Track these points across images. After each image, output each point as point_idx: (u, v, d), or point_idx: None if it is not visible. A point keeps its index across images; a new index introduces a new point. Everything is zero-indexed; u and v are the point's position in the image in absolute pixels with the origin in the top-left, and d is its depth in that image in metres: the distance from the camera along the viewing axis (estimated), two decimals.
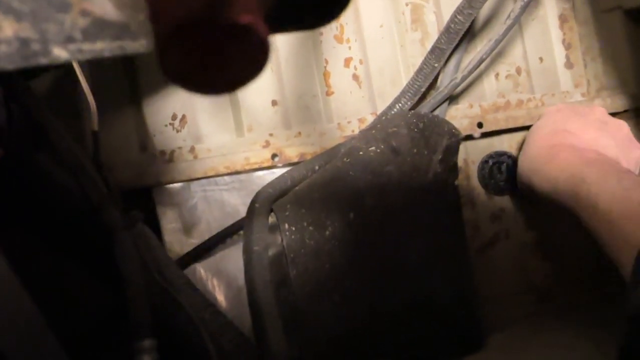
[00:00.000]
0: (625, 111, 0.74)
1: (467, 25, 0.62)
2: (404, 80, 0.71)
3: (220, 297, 0.63)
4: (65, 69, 0.59)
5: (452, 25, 0.62)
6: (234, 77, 0.17)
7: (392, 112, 0.66)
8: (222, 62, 0.16)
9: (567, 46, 0.76)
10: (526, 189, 0.67)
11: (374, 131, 0.64)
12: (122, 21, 0.17)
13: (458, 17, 0.61)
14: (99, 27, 0.17)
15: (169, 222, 0.66)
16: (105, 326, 0.51)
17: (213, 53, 0.16)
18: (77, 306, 0.51)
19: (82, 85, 0.50)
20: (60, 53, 0.16)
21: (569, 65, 0.76)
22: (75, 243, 0.52)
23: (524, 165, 0.67)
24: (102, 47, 0.17)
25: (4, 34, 0.16)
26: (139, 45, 0.17)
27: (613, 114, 0.75)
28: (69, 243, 0.52)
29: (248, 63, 0.16)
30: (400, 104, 0.66)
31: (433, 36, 0.71)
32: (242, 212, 0.63)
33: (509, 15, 0.63)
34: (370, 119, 0.70)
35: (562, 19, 0.75)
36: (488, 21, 0.72)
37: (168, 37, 0.15)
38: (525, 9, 0.61)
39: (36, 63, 0.16)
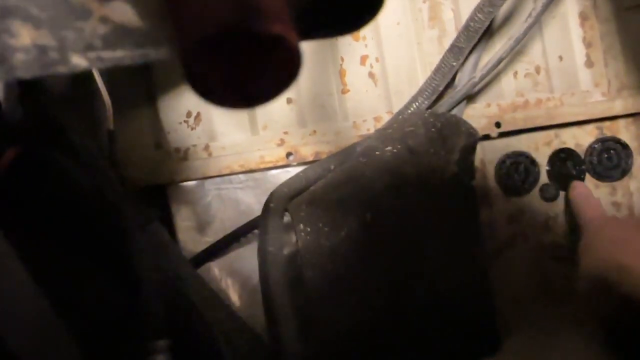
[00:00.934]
0: None
1: (487, 23, 0.61)
2: (420, 78, 0.70)
3: (234, 297, 0.63)
4: None
5: (472, 24, 0.61)
6: (264, 89, 0.16)
7: (409, 111, 0.66)
8: (252, 74, 0.15)
9: (588, 45, 0.74)
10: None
11: (390, 130, 0.63)
12: (144, 28, 0.16)
13: (478, 15, 0.60)
14: (119, 35, 0.16)
15: (183, 220, 0.66)
16: (119, 326, 0.50)
17: (242, 65, 0.15)
18: (91, 305, 0.51)
19: (98, 83, 0.50)
20: (79, 61, 0.16)
21: (589, 64, 0.74)
22: (90, 241, 0.52)
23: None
24: (123, 55, 0.16)
25: (22, 41, 0.15)
26: (161, 53, 0.17)
27: (634, 114, 0.74)
28: (84, 241, 0.52)
29: (278, 74, 0.16)
30: (417, 103, 0.65)
31: (450, 34, 0.70)
32: (257, 210, 0.63)
33: (530, 14, 0.61)
34: (386, 117, 0.69)
35: (583, 17, 0.74)
36: (507, 19, 0.71)
37: (194, 49, 0.14)
38: (546, 8, 0.60)
39: (54, 72, 0.16)
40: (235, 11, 0.14)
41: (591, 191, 0.70)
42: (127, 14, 0.16)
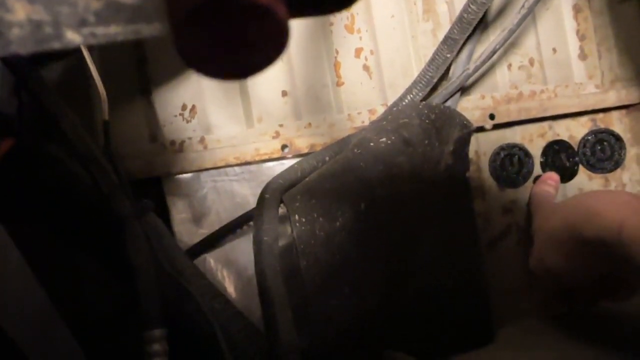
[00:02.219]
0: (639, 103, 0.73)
1: (480, 15, 0.61)
2: (415, 71, 0.70)
3: (230, 288, 0.63)
4: (76, 58, 0.59)
5: (465, 15, 0.61)
6: (252, 61, 0.16)
7: (403, 103, 0.66)
8: (240, 46, 0.16)
9: (581, 37, 0.74)
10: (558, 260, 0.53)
11: (384, 122, 0.63)
12: (137, 3, 0.16)
13: (471, 6, 0.60)
14: (112, 10, 0.16)
15: (179, 212, 0.66)
16: (116, 315, 0.51)
17: (230, 36, 0.15)
18: (88, 295, 0.51)
19: (93, 74, 0.50)
20: (73, 37, 0.16)
21: (582, 56, 0.75)
22: (86, 232, 0.53)
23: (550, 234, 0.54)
24: (116, 31, 0.17)
25: (17, 16, 0.15)
26: (154, 28, 0.17)
27: (627, 106, 0.74)
28: (80, 232, 0.53)
29: (267, 46, 0.16)
30: (411, 95, 0.65)
31: (445, 27, 0.70)
32: (252, 202, 0.63)
33: (523, 5, 0.62)
34: (380, 110, 0.69)
35: (577, 9, 0.74)
36: (501, 11, 0.71)
37: (183, 18, 0.14)
38: None
39: (49, 47, 0.16)
40: None
41: (554, 188, 0.69)
42: None
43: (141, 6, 0.16)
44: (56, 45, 0.16)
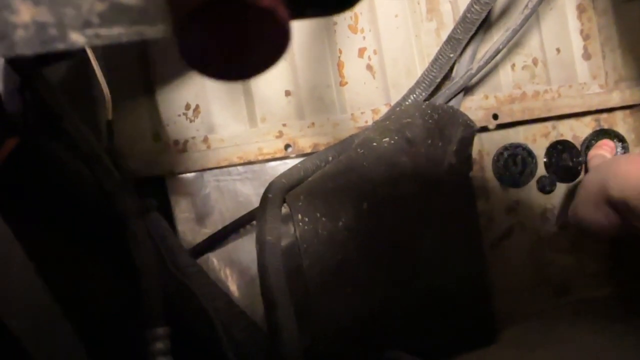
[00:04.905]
0: None
1: (484, 15, 0.61)
2: (418, 70, 0.70)
3: (233, 287, 0.64)
4: (80, 58, 0.59)
5: (469, 15, 0.61)
6: (253, 62, 0.16)
7: (407, 103, 0.66)
8: (241, 47, 0.16)
9: (585, 37, 0.74)
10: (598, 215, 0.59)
11: (388, 122, 0.63)
12: (140, 5, 0.17)
13: (475, 6, 0.60)
14: (116, 12, 0.17)
15: (182, 211, 0.66)
16: (120, 313, 0.51)
17: (232, 37, 0.15)
18: (92, 293, 0.51)
19: (97, 74, 0.50)
20: (77, 38, 0.16)
21: (586, 56, 0.74)
22: (90, 231, 0.53)
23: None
24: (120, 32, 0.17)
25: (22, 18, 0.16)
26: (157, 30, 0.17)
27: (631, 106, 0.74)
28: (83, 231, 0.53)
29: (268, 48, 0.16)
30: (414, 95, 0.65)
31: (448, 26, 0.70)
32: (255, 202, 0.63)
33: (526, 5, 0.62)
34: (384, 109, 0.69)
35: (581, 9, 0.74)
36: (505, 11, 0.71)
37: (186, 19, 0.15)
38: None
39: (54, 48, 0.16)
40: None
41: (609, 153, 0.71)
42: None
43: (144, 8, 0.16)
44: (60, 46, 0.16)
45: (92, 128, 0.57)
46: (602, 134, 0.74)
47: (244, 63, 0.16)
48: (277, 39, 0.16)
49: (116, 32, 0.17)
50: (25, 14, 0.16)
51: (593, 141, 0.73)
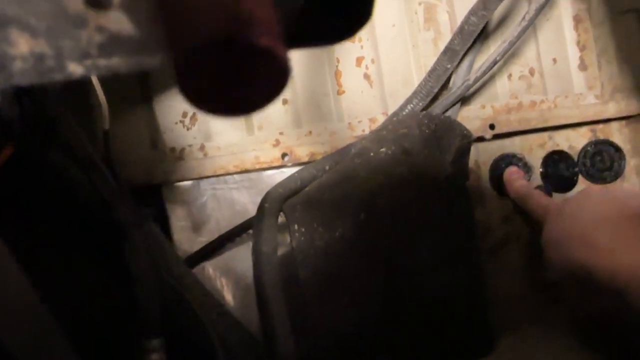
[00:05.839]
0: (639, 114, 0.73)
1: (481, 26, 0.61)
2: (415, 80, 0.70)
3: (229, 296, 0.63)
4: None
5: (466, 27, 0.61)
6: (253, 99, 0.16)
7: (404, 113, 0.66)
8: (241, 85, 0.16)
9: (582, 48, 0.75)
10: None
11: (385, 132, 0.63)
12: (139, 37, 0.17)
13: (472, 18, 0.60)
14: (115, 43, 0.17)
15: (179, 220, 0.66)
16: (115, 323, 0.51)
17: (231, 75, 0.16)
18: (87, 303, 0.51)
19: (94, 82, 0.50)
20: (75, 69, 0.16)
21: (583, 67, 0.75)
22: (86, 240, 0.53)
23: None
24: (118, 63, 0.17)
25: (20, 50, 0.16)
26: (156, 60, 0.17)
27: (627, 117, 0.74)
28: (79, 239, 0.53)
29: (267, 85, 0.16)
30: (412, 105, 0.66)
31: (446, 36, 0.71)
32: (252, 210, 0.63)
33: (523, 17, 0.62)
34: (381, 118, 0.69)
35: (577, 20, 0.75)
36: (502, 22, 0.71)
37: (186, 59, 0.15)
38: (540, 11, 0.61)
39: (51, 79, 0.16)
40: (226, 23, 0.14)
41: (522, 178, 0.67)
42: (122, 24, 0.16)
43: (144, 39, 0.16)
44: (58, 76, 0.16)
45: (89, 136, 0.57)
46: (599, 144, 0.74)
47: (243, 100, 0.16)
48: (277, 76, 0.16)
49: (115, 63, 0.17)
50: (23, 46, 0.16)
51: (589, 149, 0.74)
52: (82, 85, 0.62)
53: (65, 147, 0.52)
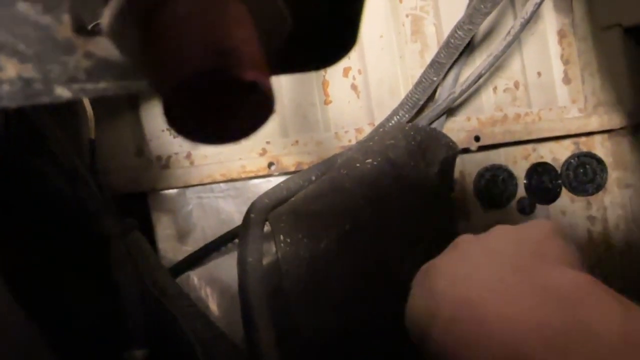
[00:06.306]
0: (622, 128, 0.75)
1: (467, 40, 0.62)
2: (402, 91, 0.71)
3: (213, 306, 0.63)
4: None
5: (452, 40, 0.62)
6: (238, 129, 0.17)
7: (390, 124, 0.66)
8: (227, 116, 0.16)
9: (566, 62, 0.76)
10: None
11: (371, 143, 0.64)
12: (126, 63, 0.17)
13: (458, 32, 0.61)
14: (102, 68, 0.17)
15: (164, 228, 0.66)
16: (98, 334, 0.50)
17: (217, 107, 0.16)
18: (71, 313, 0.51)
19: None
20: (62, 92, 0.16)
21: (566, 80, 0.76)
22: (70, 250, 0.52)
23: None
24: (106, 87, 0.17)
25: (7, 74, 0.16)
26: (143, 84, 0.17)
27: (610, 131, 0.76)
28: (63, 249, 0.52)
29: (252, 116, 0.16)
30: (398, 116, 0.66)
31: (432, 48, 0.71)
32: (238, 219, 0.63)
33: (509, 32, 0.63)
34: (367, 129, 0.70)
35: (561, 35, 0.76)
36: (488, 36, 0.72)
37: (172, 91, 0.15)
38: (525, 26, 0.62)
39: (38, 102, 0.16)
40: (212, 57, 0.15)
41: None
42: (110, 50, 0.17)
43: (131, 65, 0.17)
44: (45, 99, 0.16)
45: (75, 144, 0.57)
46: (582, 156, 0.75)
47: (229, 130, 0.16)
48: (262, 107, 0.16)
49: (102, 87, 0.17)
50: (11, 71, 0.16)
51: (572, 161, 0.75)
52: None
53: (50, 157, 0.52)
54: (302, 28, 0.18)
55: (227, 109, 0.16)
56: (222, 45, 0.15)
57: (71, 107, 0.61)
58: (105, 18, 0.16)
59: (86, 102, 0.50)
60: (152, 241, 0.64)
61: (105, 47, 0.17)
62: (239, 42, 0.15)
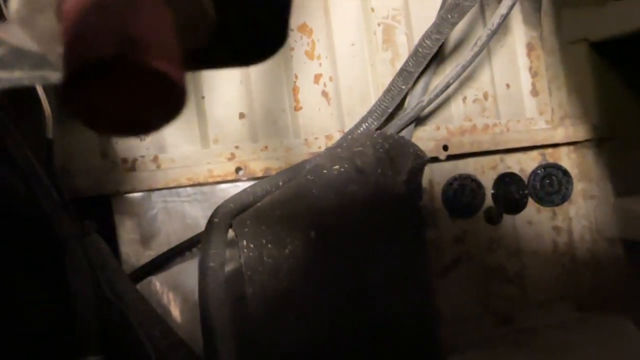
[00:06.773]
0: (587, 140, 0.76)
1: (434, 49, 0.62)
2: (373, 99, 0.71)
3: (175, 312, 0.62)
4: None
5: (420, 49, 0.62)
6: (147, 120, 0.16)
7: (359, 131, 0.66)
8: (133, 105, 0.16)
9: (534, 74, 0.77)
10: None
11: (339, 150, 0.63)
12: (40, 52, 0.16)
13: (426, 41, 0.62)
14: (16, 57, 0.16)
15: (127, 232, 0.64)
16: (52, 339, 0.49)
17: (123, 95, 0.15)
18: (23, 317, 0.49)
19: (39, 91, 0.49)
20: None
21: (534, 92, 0.77)
22: (23, 251, 0.51)
23: None
24: (21, 76, 0.16)
25: None
26: (59, 75, 0.17)
27: (575, 143, 0.77)
28: (17, 251, 0.51)
29: (161, 108, 0.16)
30: (367, 124, 0.66)
31: (403, 57, 0.72)
32: (204, 224, 0.62)
33: (475, 42, 0.63)
34: (337, 136, 0.70)
35: (530, 47, 0.77)
36: (458, 46, 0.73)
37: (72, 74, 0.14)
38: (492, 36, 0.62)
39: None
40: (117, 43, 0.14)
41: None
42: (22, 38, 0.16)
43: (45, 55, 0.16)
44: None
45: (37, 145, 0.56)
46: (548, 167, 0.76)
47: (138, 121, 0.16)
48: (172, 99, 0.16)
49: (17, 76, 0.16)
50: None
51: (539, 172, 0.76)
52: (31, 93, 0.60)
53: (5, 157, 0.51)
54: (228, 24, 0.18)
55: (135, 100, 0.16)
56: (128, 33, 0.14)
57: (32, 107, 0.60)
58: (13, 4, 0.15)
59: (44, 100, 0.49)
60: (114, 245, 0.62)
61: (17, 35, 0.16)
62: (149, 32, 0.15)
